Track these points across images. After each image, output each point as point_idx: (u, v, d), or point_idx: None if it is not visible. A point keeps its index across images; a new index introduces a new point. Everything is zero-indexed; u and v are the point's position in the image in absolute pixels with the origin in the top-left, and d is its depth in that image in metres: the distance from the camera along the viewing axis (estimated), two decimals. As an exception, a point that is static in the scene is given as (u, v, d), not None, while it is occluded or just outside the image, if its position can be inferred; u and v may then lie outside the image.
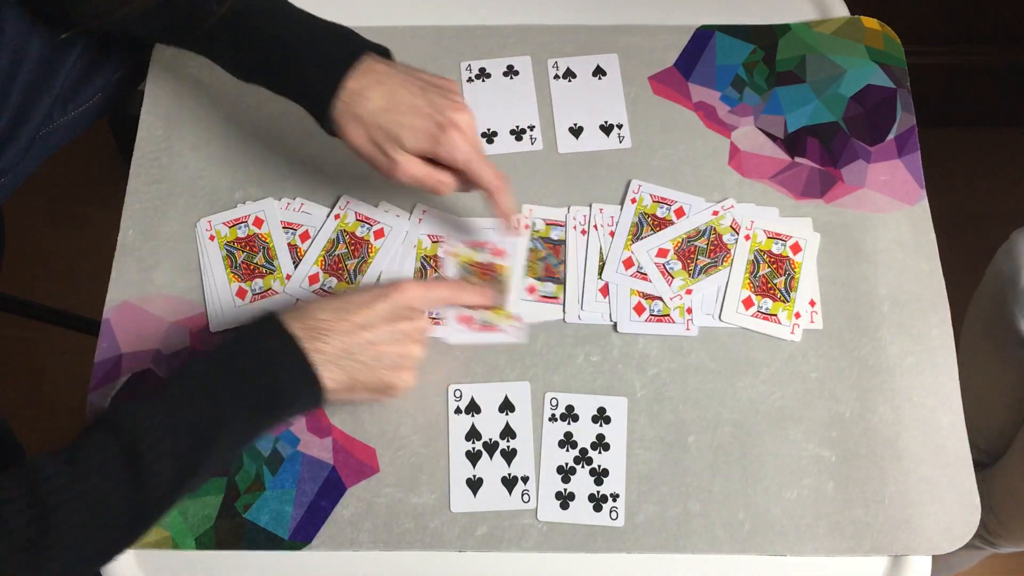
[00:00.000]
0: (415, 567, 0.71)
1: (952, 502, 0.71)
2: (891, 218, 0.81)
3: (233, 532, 0.70)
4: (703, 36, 0.88)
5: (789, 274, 0.78)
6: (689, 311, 0.77)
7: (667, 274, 0.78)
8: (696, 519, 0.71)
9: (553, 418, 0.74)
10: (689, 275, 0.78)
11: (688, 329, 0.76)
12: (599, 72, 0.87)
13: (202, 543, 0.70)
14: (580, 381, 0.75)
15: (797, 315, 0.77)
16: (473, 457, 0.73)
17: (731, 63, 0.87)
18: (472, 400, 0.74)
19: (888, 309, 0.77)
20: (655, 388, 0.75)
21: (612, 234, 0.79)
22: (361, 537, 0.70)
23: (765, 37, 0.88)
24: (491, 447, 0.73)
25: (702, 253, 0.79)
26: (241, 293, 0.77)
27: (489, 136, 0.84)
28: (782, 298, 0.77)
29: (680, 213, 0.80)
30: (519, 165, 0.83)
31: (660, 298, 0.77)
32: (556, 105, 0.86)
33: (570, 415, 0.74)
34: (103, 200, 1.54)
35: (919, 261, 0.79)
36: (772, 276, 0.78)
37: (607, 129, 0.85)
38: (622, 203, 0.81)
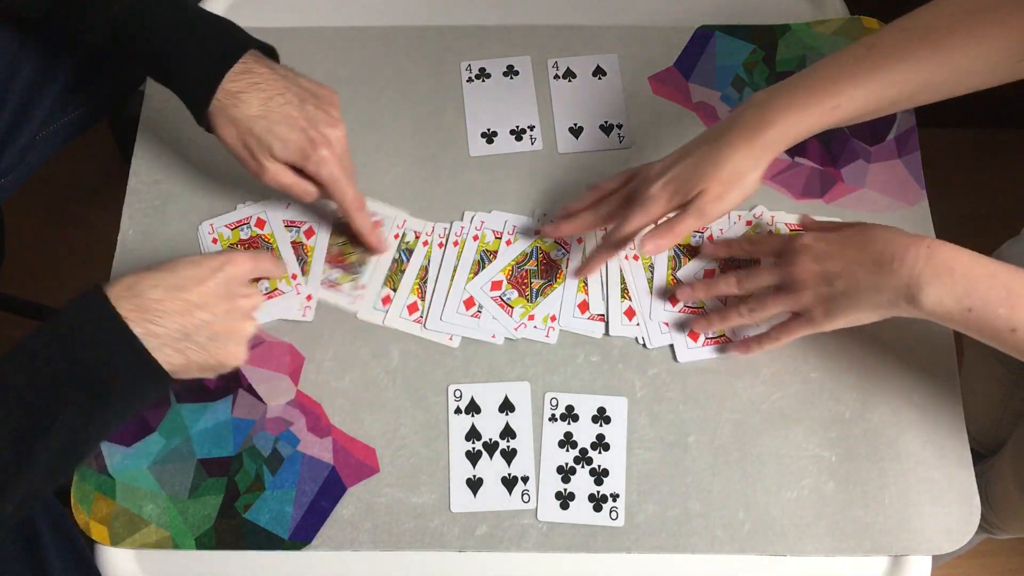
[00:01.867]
0: (415, 567, 0.71)
1: (952, 502, 0.71)
2: (891, 218, 0.81)
3: (233, 532, 0.70)
4: (703, 36, 0.88)
5: None
6: None
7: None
8: (696, 519, 0.71)
9: (553, 418, 0.74)
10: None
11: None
12: (599, 72, 0.87)
13: (202, 543, 0.70)
14: (580, 381, 0.75)
15: None
16: (473, 457, 0.73)
17: (731, 63, 0.87)
18: (472, 400, 0.74)
19: (888, 309, 0.77)
20: (655, 388, 0.75)
21: (636, 257, 0.79)
22: (361, 537, 0.70)
23: (765, 37, 0.88)
24: (491, 447, 0.73)
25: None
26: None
27: (489, 136, 0.84)
28: None
29: (711, 238, 0.79)
30: (519, 165, 0.83)
31: None
32: (556, 105, 0.86)
33: (570, 415, 0.74)
34: (103, 200, 1.54)
35: (919, 261, 0.79)
36: None
37: (607, 129, 0.85)
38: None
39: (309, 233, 0.79)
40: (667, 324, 0.76)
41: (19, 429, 0.57)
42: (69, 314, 0.61)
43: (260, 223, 0.80)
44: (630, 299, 0.77)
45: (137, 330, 0.60)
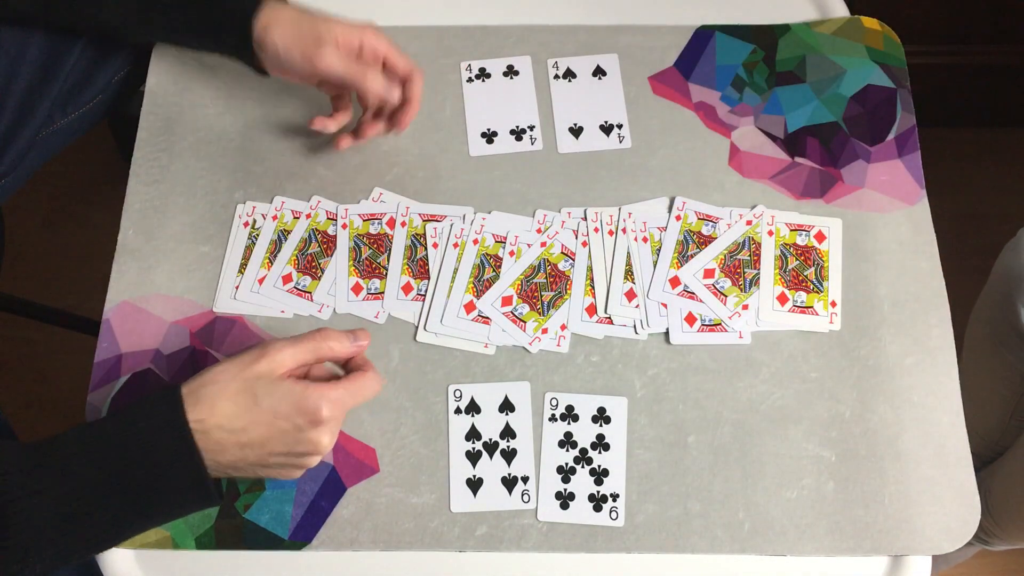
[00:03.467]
0: (415, 567, 0.71)
1: (952, 502, 0.71)
2: (891, 218, 0.81)
3: (233, 532, 0.70)
4: (703, 36, 0.88)
5: (818, 264, 0.78)
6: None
7: (719, 294, 0.77)
8: (696, 519, 0.71)
9: (553, 418, 0.74)
10: (741, 290, 0.78)
11: (741, 337, 0.76)
12: (599, 72, 0.87)
13: (202, 543, 0.70)
14: (580, 381, 0.75)
15: (833, 303, 0.77)
16: (473, 457, 0.73)
17: (731, 63, 0.87)
18: (472, 400, 0.74)
19: (888, 309, 0.77)
20: (655, 388, 0.75)
21: (646, 239, 0.79)
22: (361, 537, 0.71)
23: (765, 37, 0.88)
24: (491, 447, 0.73)
25: (748, 266, 0.78)
26: (357, 288, 0.78)
27: (489, 136, 0.84)
28: (815, 289, 0.77)
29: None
30: (519, 165, 0.83)
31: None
32: (556, 105, 0.86)
33: (570, 415, 0.74)
34: (103, 200, 1.54)
35: (919, 261, 0.79)
36: (802, 268, 0.78)
37: (607, 129, 0.85)
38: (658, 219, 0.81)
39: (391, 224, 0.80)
40: (665, 306, 0.76)
41: (65, 515, 0.56)
42: (143, 426, 0.58)
43: (392, 223, 0.79)
44: (633, 281, 0.77)
45: (207, 462, 0.58)
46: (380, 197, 0.81)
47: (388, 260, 0.78)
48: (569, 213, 0.80)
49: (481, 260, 0.78)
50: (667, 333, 0.76)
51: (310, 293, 0.77)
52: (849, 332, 0.77)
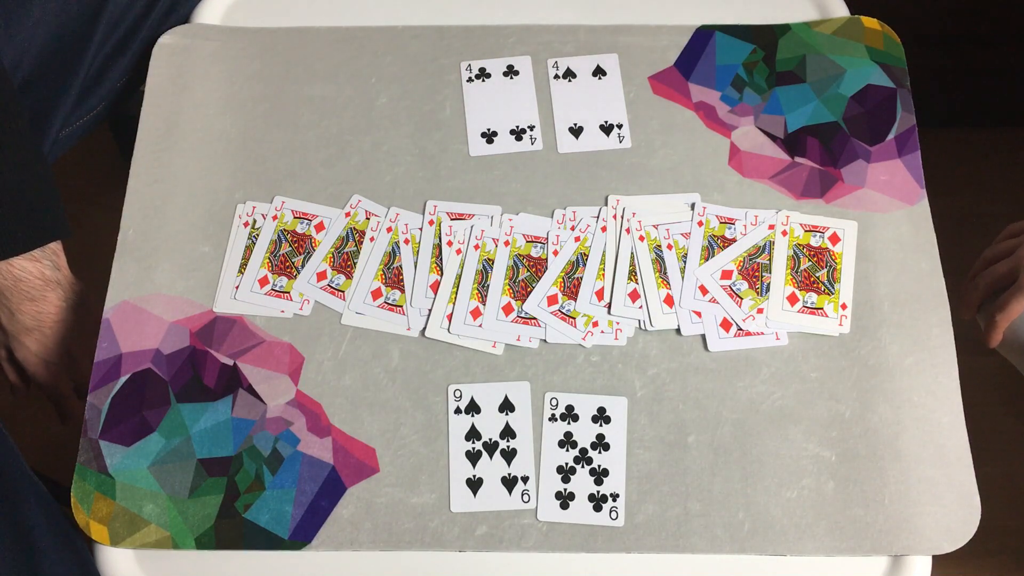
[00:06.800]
0: (415, 567, 0.71)
1: (952, 502, 0.71)
2: (891, 218, 0.81)
3: (233, 532, 0.70)
4: (703, 36, 0.88)
5: (831, 265, 0.78)
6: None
7: (735, 296, 0.77)
8: (696, 519, 0.71)
9: (553, 418, 0.74)
10: (757, 294, 0.78)
11: (778, 339, 0.76)
12: (599, 72, 0.87)
13: (202, 543, 0.70)
14: (580, 381, 0.75)
15: (843, 306, 0.77)
16: (473, 457, 0.73)
17: (731, 63, 0.87)
18: (472, 400, 0.74)
19: (888, 309, 0.77)
20: (655, 388, 0.75)
21: (670, 247, 0.79)
22: (361, 537, 0.71)
23: (765, 37, 0.88)
24: (491, 447, 0.73)
25: (766, 270, 0.78)
26: (264, 282, 0.78)
27: (489, 136, 0.84)
28: (826, 291, 0.77)
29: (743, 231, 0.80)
30: (519, 165, 0.83)
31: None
32: (556, 105, 0.86)
33: (570, 415, 0.74)
34: (103, 200, 1.54)
35: (919, 261, 0.79)
36: (814, 269, 0.78)
37: (607, 129, 0.85)
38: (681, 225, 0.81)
39: (319, 228, 0.79)
40: (699, 314, 0.76)
41: None
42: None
43: (320, 227, 0.79)
44: (668, 287, 0.77)
45: None
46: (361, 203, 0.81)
47: (417, 261, 0.78)
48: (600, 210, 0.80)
49: (514, 261, 0.78)
50: (704, 340, 0.76)
51: (342, 292, 0.77)
52: (849, 332, 0.77)
